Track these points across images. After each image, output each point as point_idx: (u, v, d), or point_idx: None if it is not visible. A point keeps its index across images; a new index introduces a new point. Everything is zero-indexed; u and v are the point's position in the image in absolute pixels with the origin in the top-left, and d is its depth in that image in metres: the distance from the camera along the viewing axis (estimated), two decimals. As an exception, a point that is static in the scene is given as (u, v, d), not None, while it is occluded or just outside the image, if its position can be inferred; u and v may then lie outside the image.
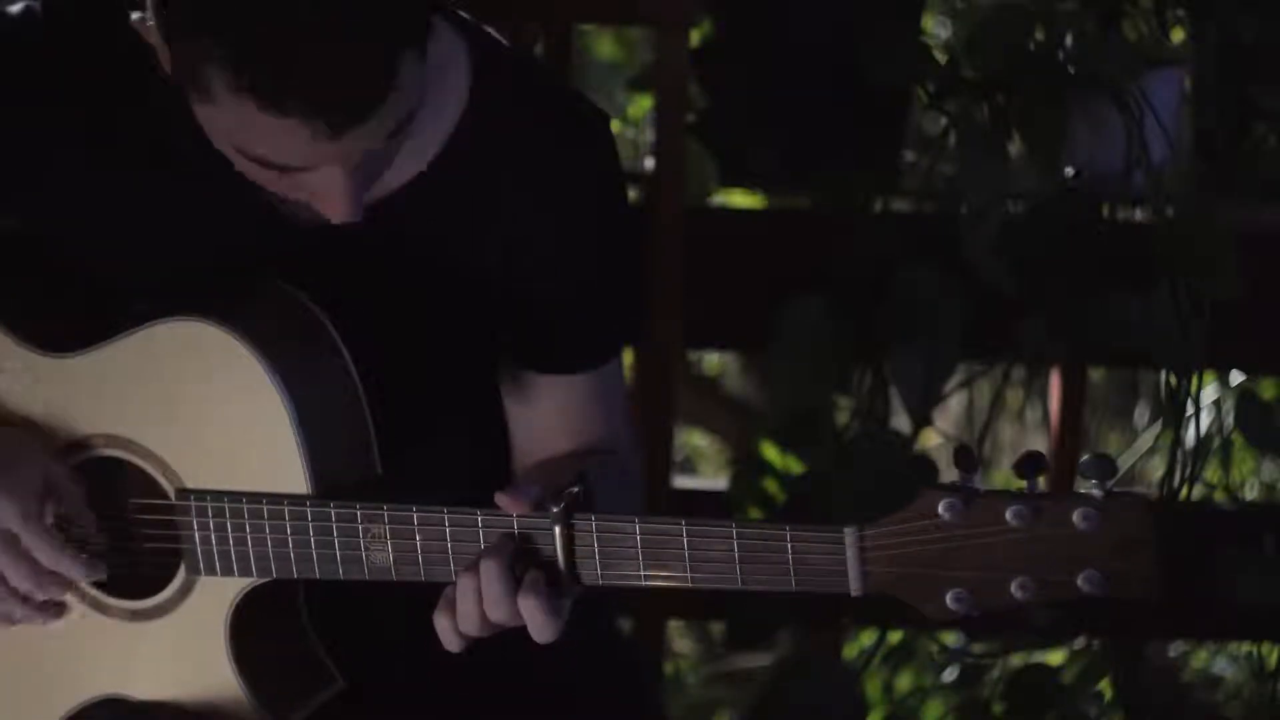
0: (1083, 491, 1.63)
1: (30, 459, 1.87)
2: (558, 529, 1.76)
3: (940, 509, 1.65)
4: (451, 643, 1.80)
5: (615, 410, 2.03)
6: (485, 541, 1.79)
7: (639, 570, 1.76)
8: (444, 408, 2.00)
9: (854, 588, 1.70)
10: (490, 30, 1.95)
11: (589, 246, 1.95)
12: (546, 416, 2.00)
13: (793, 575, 1.71)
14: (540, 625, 1.76)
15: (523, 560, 1.77)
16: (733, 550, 1.73)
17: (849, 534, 1.70)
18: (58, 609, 1.93)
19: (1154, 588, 1.62)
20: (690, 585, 1.75)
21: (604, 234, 1.96)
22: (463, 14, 1.93)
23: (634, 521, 1.75)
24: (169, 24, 1.69)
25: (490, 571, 1.76)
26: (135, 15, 1.77)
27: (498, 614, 1.77)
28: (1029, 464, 1.65)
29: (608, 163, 1.96)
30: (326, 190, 1.73)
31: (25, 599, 1.90)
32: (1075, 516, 1.62)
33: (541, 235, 1.92)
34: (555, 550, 1.76)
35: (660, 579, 1.75)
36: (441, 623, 1.80)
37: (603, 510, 1.79)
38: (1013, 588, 1.65)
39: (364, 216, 1.89)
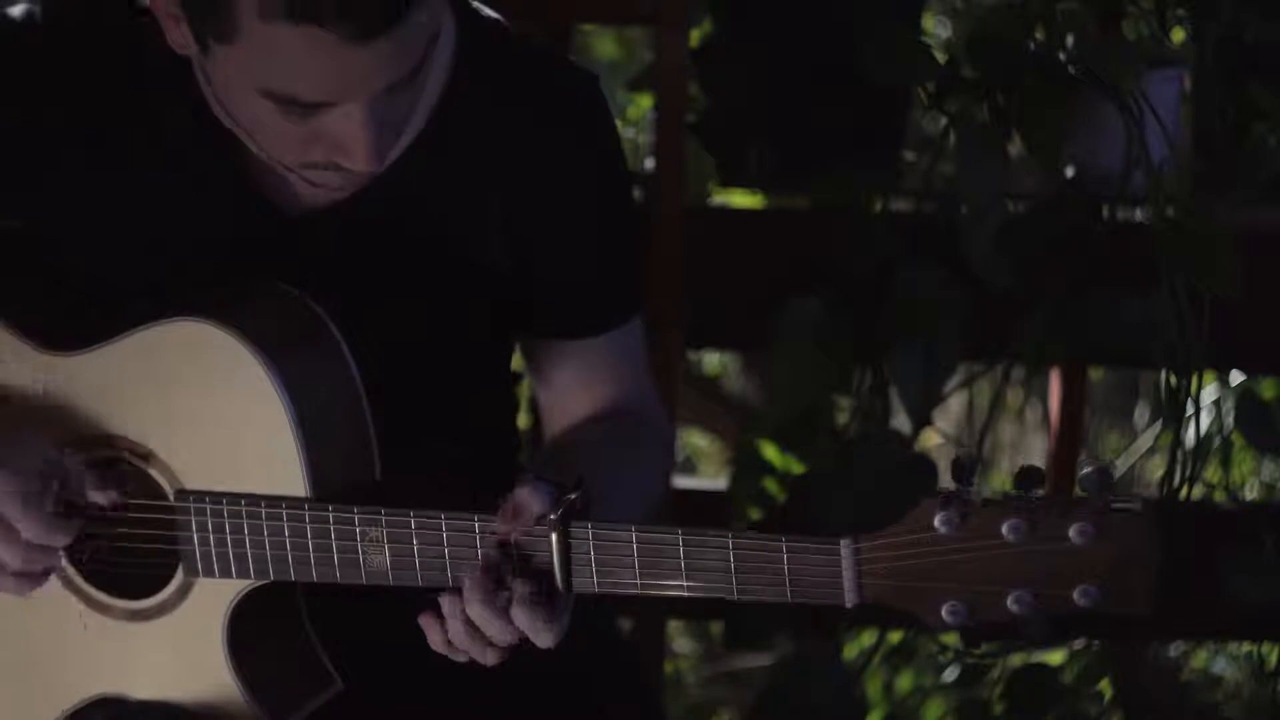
0: (1080, 505, 1.62)
1: (29, 443, 1.87)
2: (554, 537, 1.75)
3: (936, 522, 1.64)
4: (437, 642, 1.80)
5: (637, 369, 2.04)
6: (482, 547, 1.79)
7: (635, 579, 1.75)
8: (446, 407, 2.00)
9: (849, 599, 1.69)
10: (478, 5, 1.95)
11: (587, 205, 1.95)
12: (570, 383, 2.01)
13: (788, 586, 1.71)
14: (540, 634, 1.76)
15: (512, 575, 1.77)
16: (728, 560, 1.72)
17: (845, 546, 1.69)
18: (35, 580, 1.90)
19: (1150, 603, 1.61)
20: (686, 594, 1.75)
21: (602, 192, 1.96)
22: None
23: (630, 530, 1.75)
24: None
25: (475, 605, 1.76)
26: None
27: (494, 637, 1.77)
28: (1026, 479, 1.64)
29: (599, 123, 1.96)
30: (348, 134, 1.73)
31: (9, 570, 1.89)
32: (1072, 531, 1.61)
33: (539, 200, 1.92)
34: (551, 558, 1.76)
35: (656, 588, 1.75)
36: (428, 619, 1.80)
37: (634, 472, 1.80)
38: (1008, 601, 1.65)
39: (357, 197, 1.88)
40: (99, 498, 1.86)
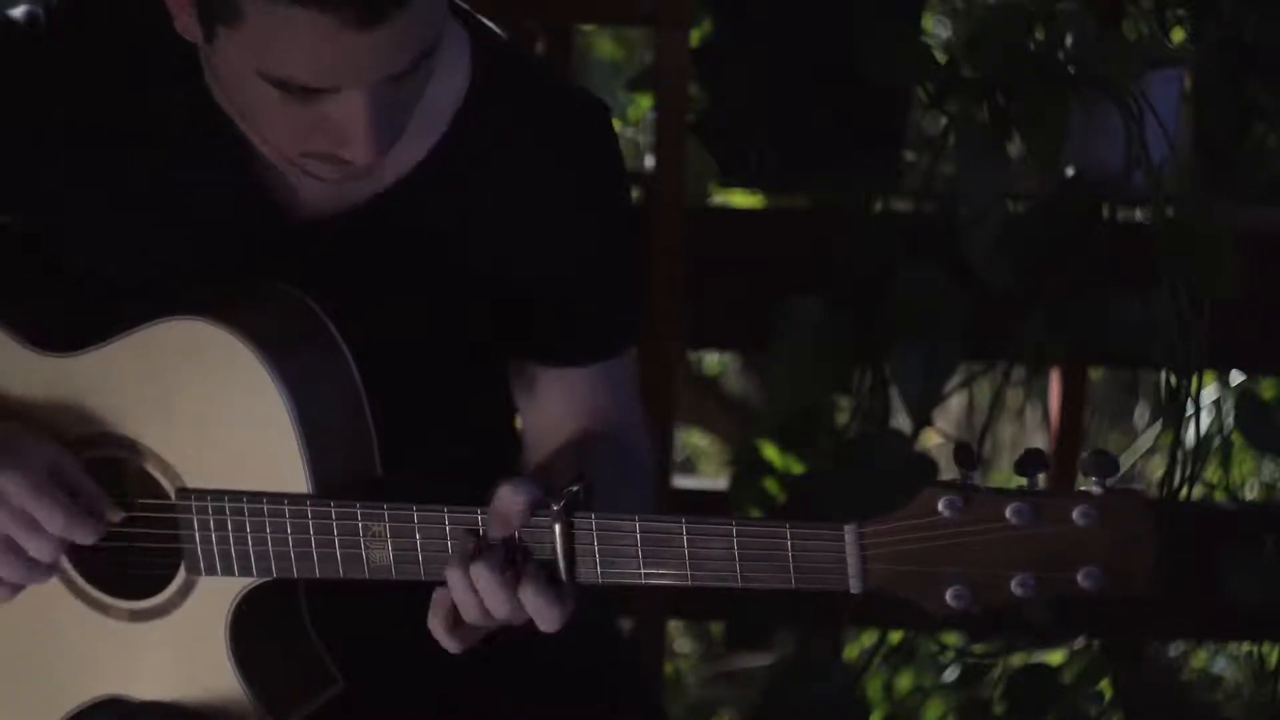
0: (1083, 488, 1.63)
1: (36, 444, 1.86)
2: (557, 527, 1.75)
3: (940, 506, 1.65)
4: (451, 645, 1.80)
5: (624, 402, 2.03)
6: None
7: (639, 569, 1.75)
8: (446, 407, 2.00)
9: (854, 585, 1.69)
10: (491, 24, 1.96)
11: (590, 237, 1.95)
12: (555, 410, 2.00)
13: (793, 573, 1.71)
14: (545, 616, 1.75)
15: (520, 554, 1.77)
16: (732, 548, 1.72)
17: (849, 531, 1.69)
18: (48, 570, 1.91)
19: (1153, 584, 1.62)
20: (690, 584, 1.75)
21: (605, 225, 1.96)
22: (464, 5, 1.94)
23: (634, 519, 1.75)
24: None
25: (483, 571, 1.75)
26: None
27: (498, 610, 1.76)
28: (1029, 462, 1.65)
29: (608, 153, 1.97)
30: (348, 122, 1.73)
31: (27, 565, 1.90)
32: (1075, 514, 1.62)
33: (542, 227, 1.92)
34: (555, 548, 1.76)
35: (660, 577, 1.75)
36: (437, 626, 1.79)
37: (610, 499, 1.78)
38: (1012, 585, 1.65)
39: (363, 208, 1.89)
40: (106, 518, 1.87)
